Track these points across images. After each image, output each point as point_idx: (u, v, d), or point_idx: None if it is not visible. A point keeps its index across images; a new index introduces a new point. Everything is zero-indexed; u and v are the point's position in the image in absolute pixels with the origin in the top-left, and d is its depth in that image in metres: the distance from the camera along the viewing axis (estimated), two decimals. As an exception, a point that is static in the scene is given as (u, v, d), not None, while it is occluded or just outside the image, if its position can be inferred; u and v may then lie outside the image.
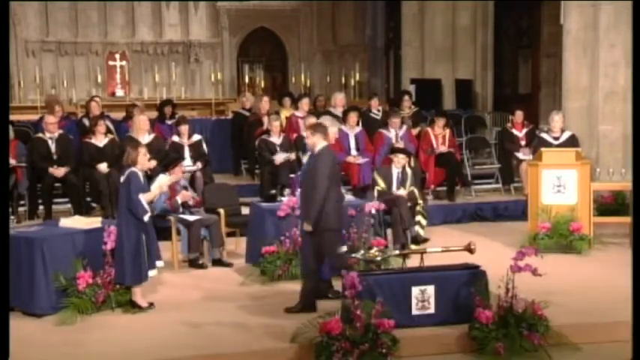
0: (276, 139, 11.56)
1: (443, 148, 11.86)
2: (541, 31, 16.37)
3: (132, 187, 7.07)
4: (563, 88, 10.89)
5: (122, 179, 7.23)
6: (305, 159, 7.44)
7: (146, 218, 7.14)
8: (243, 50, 19.80)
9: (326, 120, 7.81)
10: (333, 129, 7.58)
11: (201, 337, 6.49)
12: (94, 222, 7.78)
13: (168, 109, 13.20)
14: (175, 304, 7.47)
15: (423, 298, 6.59)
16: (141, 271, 7.18)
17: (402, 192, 9.62)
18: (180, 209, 8.88)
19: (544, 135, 11.01)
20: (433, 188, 11.88)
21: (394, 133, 11.60)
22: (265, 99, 13.35)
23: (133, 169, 7.16)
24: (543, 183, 9.54)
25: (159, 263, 7.49)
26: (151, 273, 7.36)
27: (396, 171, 9.78)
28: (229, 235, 9.44)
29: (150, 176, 8.29)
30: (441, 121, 12.08)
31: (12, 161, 9.84)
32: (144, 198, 7.12)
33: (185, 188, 9.21)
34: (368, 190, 10.34)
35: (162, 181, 8.23)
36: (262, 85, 19.36)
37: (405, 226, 9.41)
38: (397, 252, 7.78)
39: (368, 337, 5.98)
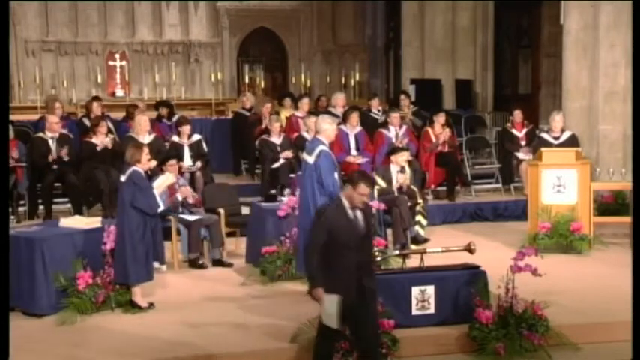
0: (276, 139, 11.56)
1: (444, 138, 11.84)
2: (541, 31, 16.37)
3: (143, 184, 7.08)
4: (563, 88, 10.88)
5: (124, 178, 7.21)
6: (309, 158, 7.38)
7: (159, 210, 7.20)
8: (243, 50, 19.79)
9: (326, 118, 7.78)
10: (333, 127, 7.56)
11: (201, 337, 6.49)
12: (94, 222, 7.79)
13: (162, 110, 13.06)
14: (175, 304, 7.47)
15: (423, 298, 6.59)
16: (145, 269, 7.18)
17: (402, 178, 9.58)
18: (181, 208, 8.89)
19: (544, 135, 11.00)
20: (433, 188, 11.87)
21: (394, 132, 11.59)
22: (268, 105, 13.28)
23: (135, 168, 7.17)
24: (543, 183, 9.53)
25: (162, 267, 7.47)
26: (163, 268, 7.38)
27: (395, 170, 9.77)
28: (229, 235, 9.44)
29: (150, 176, 8.29)
30: (441, 117, 12.02)
31: (12, 161, 9.84)
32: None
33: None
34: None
35: (167, 180, 8.26)
36: (262, 85, 19.36)
37: (405, 226, 9.41)
38: (397, 252, 7.79)
39: (368, 337, 5.97)
